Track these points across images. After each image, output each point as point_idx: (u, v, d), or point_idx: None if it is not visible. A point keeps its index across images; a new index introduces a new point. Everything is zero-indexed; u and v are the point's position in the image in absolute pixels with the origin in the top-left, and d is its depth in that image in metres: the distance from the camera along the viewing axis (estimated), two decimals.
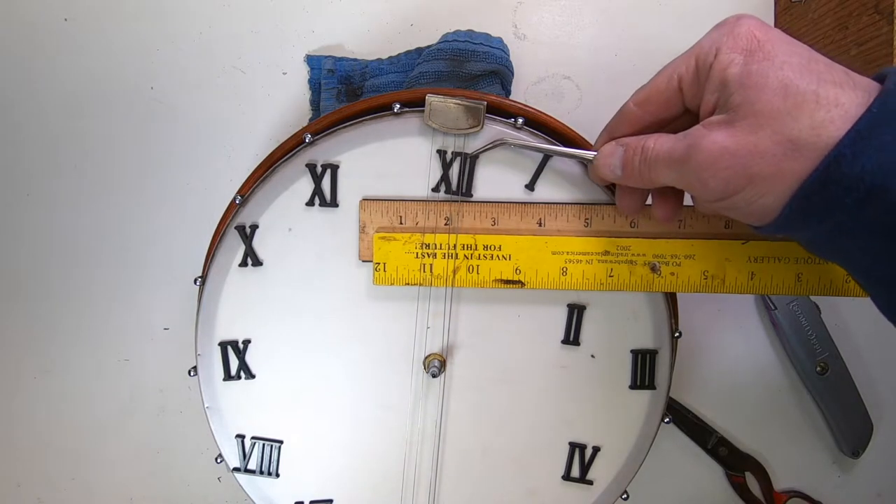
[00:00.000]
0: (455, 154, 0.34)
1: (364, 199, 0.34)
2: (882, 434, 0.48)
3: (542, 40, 0.46)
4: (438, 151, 0.34)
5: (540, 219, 0.34)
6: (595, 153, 0.32)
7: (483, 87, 0.41)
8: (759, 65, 0.25)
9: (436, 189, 0.34)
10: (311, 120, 0.45)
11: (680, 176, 0.28)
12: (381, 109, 0.34)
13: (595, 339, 0.36)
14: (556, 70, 0.46)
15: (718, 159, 0.26)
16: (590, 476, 0.37)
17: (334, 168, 0.34)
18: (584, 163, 0.33)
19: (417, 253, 0.34)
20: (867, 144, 0.23)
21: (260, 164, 0.35)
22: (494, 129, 0.33)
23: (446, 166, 0.34)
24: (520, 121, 0.33)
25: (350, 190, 0.34)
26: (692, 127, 0.27)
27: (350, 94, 0.45)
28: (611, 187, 0.33)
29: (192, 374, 0.36)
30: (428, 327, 0.36)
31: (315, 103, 0.45)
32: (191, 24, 0.45)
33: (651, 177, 0.29)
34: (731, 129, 0.25)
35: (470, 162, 0.34)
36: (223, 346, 0.35)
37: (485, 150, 0.33)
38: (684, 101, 0.28)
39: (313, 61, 0.45)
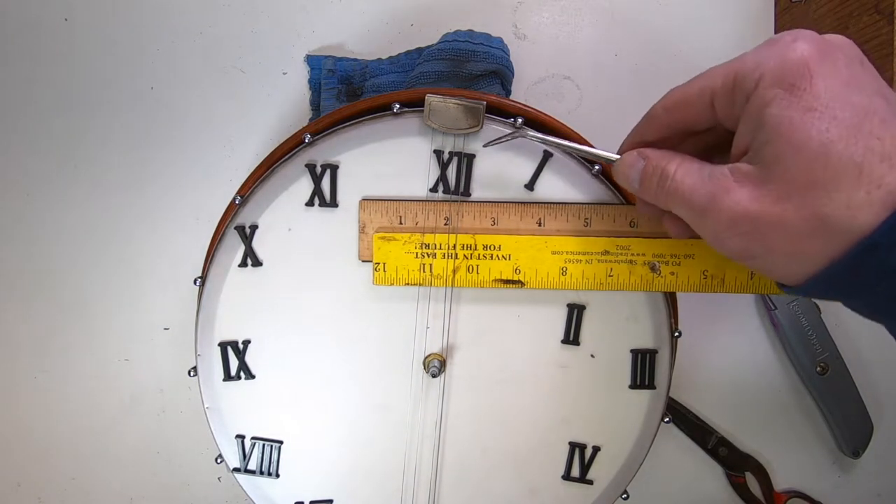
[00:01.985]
0: (452, 154, 0.34)
1: (364, 199, 0.34)
2: (882, 434, 0.48)
3: (542, 40, 0.46)
4: (435, 151, 0.34)
5: (539, 218, 0.34)
6: (617, 157, 0.30)
7: (483, 87, 0.41)
8: (804, 116, 0.22)
9: (433, 189, 0.34)
10: (311, 120, 0.45)
11: (695, 223, 0.26)
12: (381, 109, 0.34)
13: (595, 339, 0.36)
14: (556, 70, 0.46)
15: (738, 223, 0.23)
16: (590, 476, 0.37)
17: (334, 168, 0.34)
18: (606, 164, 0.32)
19: (417, 253, 0.34)
20: None
21: (260, 164, 0.35)
22: (495, 129, 0.33)
23: (443, 166, 0.34)
24: (519, 121, 0.33)
25: (350, 190, 0.34)
26: (719, 167, 0.25)
27: (350, 94, 0.45)
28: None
29: (192, 374, 0.36)
30: (428, 327, 0.36)
31: (315, 103, 0.45)
32: (191, 24, 0.45)
33: (666, 204, 0.27)
34: (757, 192, 0.23)
35: (467, 161, 0.34)
36: (223, 346, 0.35)
37: (501, 141, 0.32)
38: (716, 117, 0.26)
39: (313, 61, 0.45)
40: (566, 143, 0.31)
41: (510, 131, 0.32)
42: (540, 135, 0.31)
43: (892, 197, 0.21)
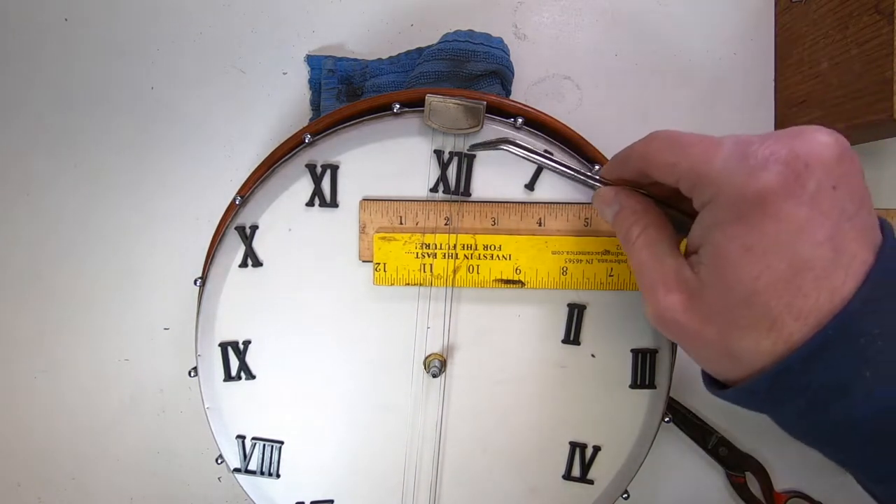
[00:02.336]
0: (452, 154, 0.34)
1: (364, 200, 0.34)
2: None
3: (542, 40, 0.46)
4: (436, 151, 0.34)
5: (540, 218, 0.34)
6: (598, 185, 0.30)
7: (483, 87, 0.41)
8: (742, 256, 0.22)
9: (434, 189, 0.34)
10: (311, 120, 0.45)
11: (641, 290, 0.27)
12: (381, 109, 0.34)
13: (595, 339, 0.36)
14: (556, 70, 0.46)
15: (668, 324, 0.25)
16: (590, 475, 0.37)
17: (334, 168, 0.34)
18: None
19: (417, 253, 0.34)
20: (812, 366, 0.22)
21: (260, 165, 0.35)
22: (494, 129, 0.33)
23: (443, 166, 0.34)
24: (519, 121, 0.33)
25: (350, 190, 0.34)
26: (670, 260, 0.26)
27: (350, 94, 0.45)
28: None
29: (192, 374, 0.36)
30: (428, 327, 0.36)
31: (315, 103, 0.45)
32: (191, 24, 0.45)
33: (626, 254, 0.28)
34: (688, 304, 0.24)
35: (468, 161, 0.34)
36: (223, 346, 0.35)
37: (484, 147, 0.32)
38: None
39: (313, 61, 0.45)
40: (549, 162, 0.31)
41: (496, 139, 0.32)
42: (523, 152, 0.31)
43: (791, 345, 0.22)
